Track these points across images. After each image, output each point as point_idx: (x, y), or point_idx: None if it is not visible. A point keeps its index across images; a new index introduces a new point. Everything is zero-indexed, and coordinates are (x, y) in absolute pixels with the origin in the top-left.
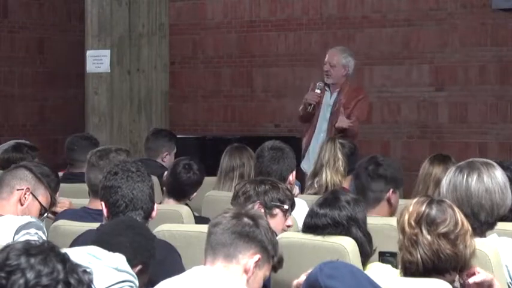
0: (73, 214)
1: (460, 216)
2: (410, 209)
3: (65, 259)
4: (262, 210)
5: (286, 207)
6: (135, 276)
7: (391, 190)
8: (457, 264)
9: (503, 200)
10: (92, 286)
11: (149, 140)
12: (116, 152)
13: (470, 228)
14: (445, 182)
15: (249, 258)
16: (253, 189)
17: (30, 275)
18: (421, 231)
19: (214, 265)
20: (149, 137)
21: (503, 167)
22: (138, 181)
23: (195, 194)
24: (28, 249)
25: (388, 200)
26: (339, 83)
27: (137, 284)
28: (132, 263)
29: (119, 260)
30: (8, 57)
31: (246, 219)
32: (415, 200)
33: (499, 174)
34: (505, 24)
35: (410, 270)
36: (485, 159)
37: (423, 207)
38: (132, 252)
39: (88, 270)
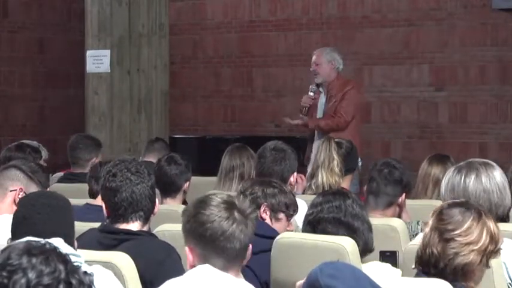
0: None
1: (475, 228)
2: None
3: (66, 260)
4: (268, 212)
5: (291, 212)
6: (78, 254)
7: (404, 194)
8: (437, 264)
9: (501, 199)
10: (92, 287)
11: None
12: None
13: (480, 246)
14: (444, 182)
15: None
16: (262, 191)
17: (31, 274)
18: (429, 223)
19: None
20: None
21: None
22: (137, 183)
23: (186, 185)
24: (30, 249)
25: (399, 204)
26: (329, 80)
27: (82, 260)
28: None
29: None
30: (8, 57)
31: (238, 226)
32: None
33: (497, 174)
34: (505, 24)
35: (416, 256)
36: (484, 160)
37: (447, 204)
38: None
39: (89, 271)
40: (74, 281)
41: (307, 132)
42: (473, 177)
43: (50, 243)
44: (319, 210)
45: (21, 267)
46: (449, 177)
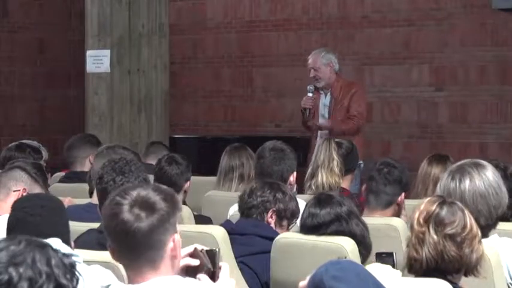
0: (75, 211)
1: (470, 220)
2: (422, 207)
3: (49, 257)
4: (274, 217)
5: (294, 220)
6: (76, 254)
7: (403, 194)
8: (461, 266)
9: (498, 201)
10: (75, 272)
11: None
12: (124, 149)
13: (479, 233)
14: (439, 188)
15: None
16: (273, 196)
17: (22, 285)
18: (429, 230)
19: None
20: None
21: (497, 167)
22: (121, 184)
23: (187, 185)
24: (13, 257)
25: (398, 203)
26: (330, 82)
27: (80, 259)
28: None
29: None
30: (8, 57)
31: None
32: (427, 199)
33: (490, 174)
34: (505, 24)
35: (415, 267)
36: (474, 160)
37: (433, 207)
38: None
39: (66, 253)
40: (63, 281)
41: (308, 132)
42: (467, 182)
43: (28, 240)
44: (318, 222)
45: (12, 283)
46: (444, 184)
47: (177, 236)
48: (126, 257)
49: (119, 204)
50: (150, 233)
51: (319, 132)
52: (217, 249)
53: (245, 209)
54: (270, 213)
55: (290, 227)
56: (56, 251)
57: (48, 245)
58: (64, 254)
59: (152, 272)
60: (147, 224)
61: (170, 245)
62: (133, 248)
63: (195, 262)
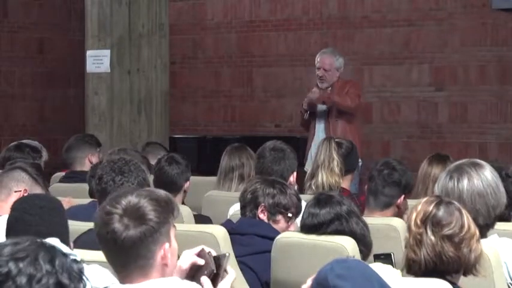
0: (78, 211)
1: (467, 219)
2: (419, 208)
3: (54, 256)
4: (266, 213)
5: (289, 215)
6: (74, 254)
7: (402, 196)
8: (460, 267)
9: (497, 200)
10: (83, 277)
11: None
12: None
13: (477, 232)
14: (437, 188)
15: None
16: (262, 190)
17: (21, 280)
18: (426, 231)
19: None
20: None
21: (495, 168)
22: (121, 183)
23: (187, 184)
24: (15, 252)
25: (397, 205)
26: (332, 83)
27: (78, 259)
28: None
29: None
30: (8, 57)
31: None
32: (424, 199)
33: (488, 174)
34: (505, 24)
35: (413, 268)
36: (472, 160)
37: (430, 207)
38: (48, 221)
39: (78, 259)
40: (64, 280)
41: (307, 132)
42: (465, 182)
43: (34, 240)
44: (319, 221)
45: (11, 276)
46: (442, 184)
47: (167, 245)
48: (116, 263)
49: (110, 214)
50: (139, 243)
51: (317, 125)
52: (227, 254)
53: (241, 208)
54: (260, 209)
55: (292, 221)
56: (66, 255)
57: (58, 248)
58: (74, 260)
59: (142, 278)
60: (135, 234)
61: (161, 253)
62: (123, 256)
63: (201, 261)
